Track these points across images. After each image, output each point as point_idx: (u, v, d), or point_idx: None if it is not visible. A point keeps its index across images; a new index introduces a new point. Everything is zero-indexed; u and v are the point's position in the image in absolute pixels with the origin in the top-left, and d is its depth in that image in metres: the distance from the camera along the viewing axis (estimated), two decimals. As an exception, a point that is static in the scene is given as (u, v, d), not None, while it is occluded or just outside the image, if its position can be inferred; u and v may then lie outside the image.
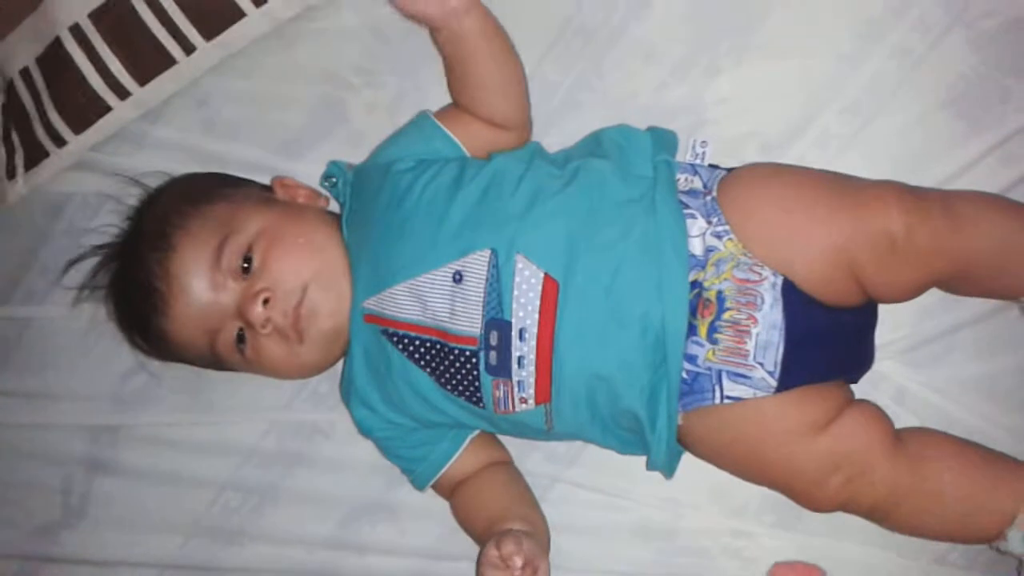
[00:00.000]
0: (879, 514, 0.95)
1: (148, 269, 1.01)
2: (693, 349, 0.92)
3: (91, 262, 1.14)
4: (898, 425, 0.97)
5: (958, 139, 1.02)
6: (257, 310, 0.98)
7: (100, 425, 1.21)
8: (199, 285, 1.00)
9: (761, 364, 0.91)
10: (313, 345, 1.01)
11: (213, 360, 1.06)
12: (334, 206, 1.11)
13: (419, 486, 1.06)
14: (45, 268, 1.22)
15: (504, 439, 1.08)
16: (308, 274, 0.99)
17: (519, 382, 0.94)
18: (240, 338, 1.01)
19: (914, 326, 1.02)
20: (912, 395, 1.03)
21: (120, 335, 1.13)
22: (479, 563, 0.92)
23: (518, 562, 0.88)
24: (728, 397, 0.92)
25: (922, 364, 1.03)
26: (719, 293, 0.92)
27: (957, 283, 0.95)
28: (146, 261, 1.02)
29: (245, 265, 0.99)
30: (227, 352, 1.03)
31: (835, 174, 0.96)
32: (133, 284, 1.04)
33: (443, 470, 1.04)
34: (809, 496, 0.94)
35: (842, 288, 0.92)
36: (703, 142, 1.00)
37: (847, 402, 0.95)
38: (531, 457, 1.10)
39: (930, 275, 0.92)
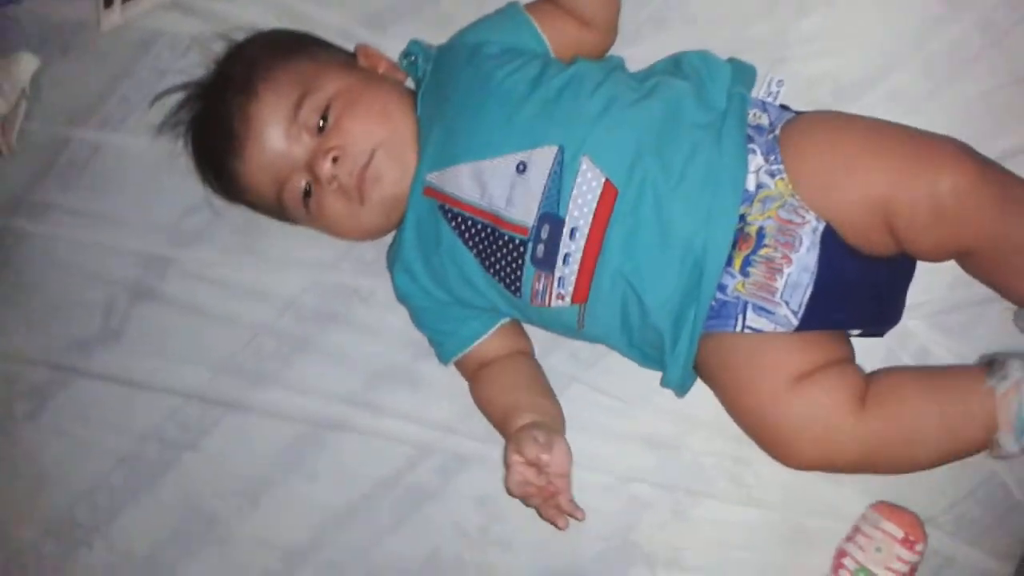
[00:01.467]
0: (863, 469, 0.98)
1: (229, 112, 1.06)
2: (725, 279, 0.95)
3: (175, 99, 1.19)
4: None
5: (1028, 114, 1.02)
6: (326, 166, 1.02)
7: (153, 254, 1.26)
8: (275, 134, 1.04)
9: (787, 303, 0.94)
10: (373, 208, 1.05)
11: (278, 209, 1.10)
12: (409, 84, 1.14)
13: (443, 359, 1.11)
14: (125, 98, 1.27)
15: (531, 333, 1.12)
16: (378, 139, 1.03)
17: (560, 278, 0.97)
18: (307, 192, 1.06)
19: (949, 291, 1.04)
20: (934, 358, 1.05)
21: (190, 171, 1.17)
22: (506, 473, 0.97)
23: (544, 458, 0.93)
24: (749, 328, 0.95)
25: (950, 330, 1.05)
26: (760, 229, 0.94)
27: (976, 262, 0.95)
28: (229, 104, 1.06)
29: (321, 122, 1.03)
30: (293, 203, 1.07)
31: (900, 126, 0.97)
32: (213, 124, 1.09)
33: (470, 348, 1.09)
34: (780, 451, 0.97)
35: (877, 239, 0.93)
36: (779, 81, 1.02)
37: (832, 362, 0.97)
38: (554, 354, 1.13)
39: (958, 245, 0.92)
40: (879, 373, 1.00)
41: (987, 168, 0.92)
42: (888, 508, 1.03)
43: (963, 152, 0.92)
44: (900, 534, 1.00)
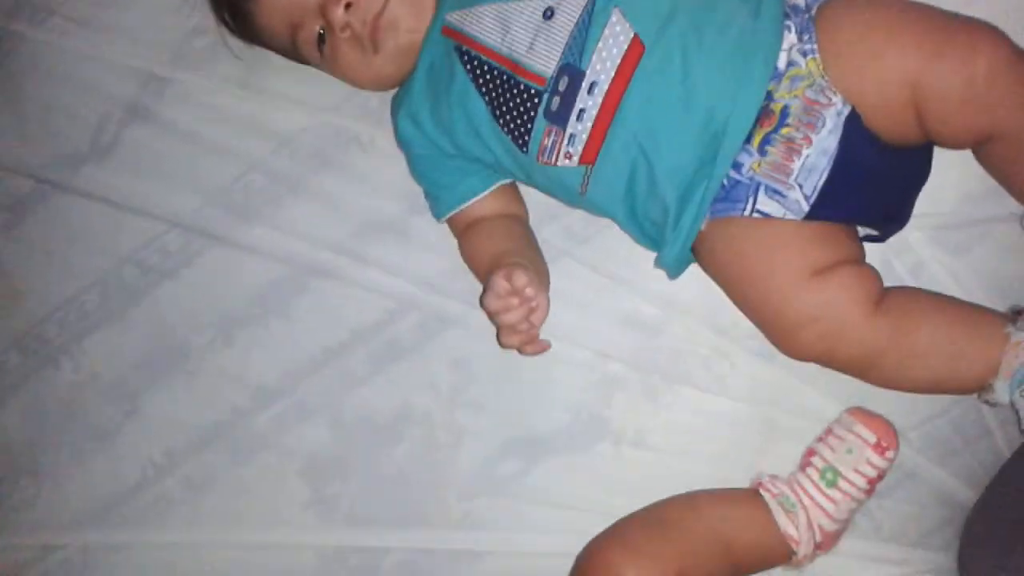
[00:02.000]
0: (857, 371, 0.97)
1: None
2: (742, 157, 0.93)
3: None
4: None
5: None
6: (338, 12, 0.99)
7: (153, 73, 1.22)
8: None
9: (800, 186, 0.93)
10: (387, 57, 1.02)
11: (293, 52, 1.08)
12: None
13: (438, 214, 1.09)
14: (142, -96, 1.22)
15: (528, 203, 1.11)
16: None
17: (572, 135, 0.95)
18: (321, 37, 1.03)
19: (954, 206, 1.03)
20: (929, 273, 1.04)
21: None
22: (484, 291, 0.96)
23: (530, 292, 0.92)
24: (758, 211, 0.94)
25: (948, 245, 1.04)
26: (785, 107, 0.93)
27: (997, 150, 0.94)
28: None
29: None
30: (307, 48, 1.05)
31: (937, 9, 0.95)
32: None
33: (466, 204, 1.07)
34: (784, 340, 0.96)
35: (903, 122, 0.92)
36: (823, -38, 0.99)
37: (851, 258, 0.97)
38: (549, 226, 1.12)
39: (986, 127, 0.91)
40: (899, 287, 1.00)
41: (1022, 53, 0.91)
42: (863, 414, 1.03)
43: (999, 35, 0.91)
44: (873, 439, 1.01)
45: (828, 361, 0.97)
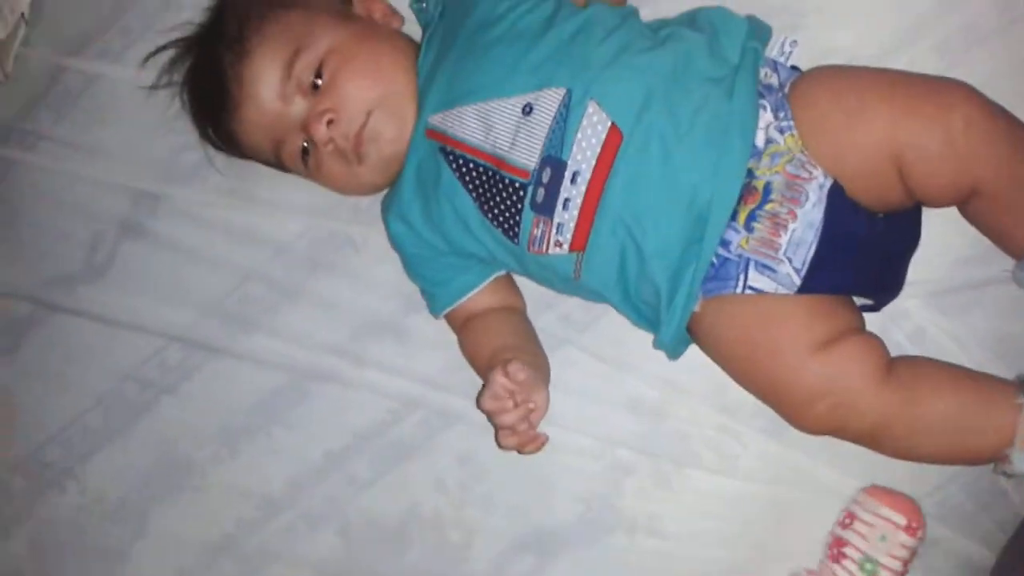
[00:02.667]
0: (869, 442, 0.96)
1: (222, 71, 1.04)
2: (729, 234, 0.94)
3: (170, 51, 1.16)
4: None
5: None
6: (321, 129, 1.00)
7: (143, 190, 1.23)
8: (268, 95, 1.02)
9: (790, 260, 0.93)
10: (372, 167, 1.04)
11: (278, 165, 1.09)
12: (409, 30, 1.11)
13: (434, 311, 1.09)
14: (127, 29, 1.25)
15: (524, 292, 1.11)
16: (374, 99, 1.01)
17: (559, 224, 0.96)
18: (305, 151, 1.04)
19: (947, 271, 1.03)
20: (929, 338, 1.04)
21: (185, 113, 1.15)
22: (481, 391, 0.96)
23: (527, 391, 0.92)
24: (751, 287, 0.94)
25: (946, 310, 1.04)
26: (767, 184, 0.93)
27: (982, 204, 0.93)
28: (221, 63, 1.04)
29: (316, 81, 1.01)
30: (292, 161, 1.06)
31: (905, 72, 0.96)
32: (206, 82, 1.07)
33: (462, 300, 1.07)
34: (796, 415, 0.96)
35: (886, 186, 0.92)
36: (793, 41, 1.00)
37: (853, 328, 0.96)
38: (546, 315, 1.12)
39: (969, 182, 0.91)
40: (907, 356, 0.99)
41: (996, 105, 0.92)
42: (885, 494, 1.01)
43: (971, 90, 0.92)
44: (903, 521, 0.99)
45: (840, 434, 0.96)
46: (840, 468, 1.05)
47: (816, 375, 0.93)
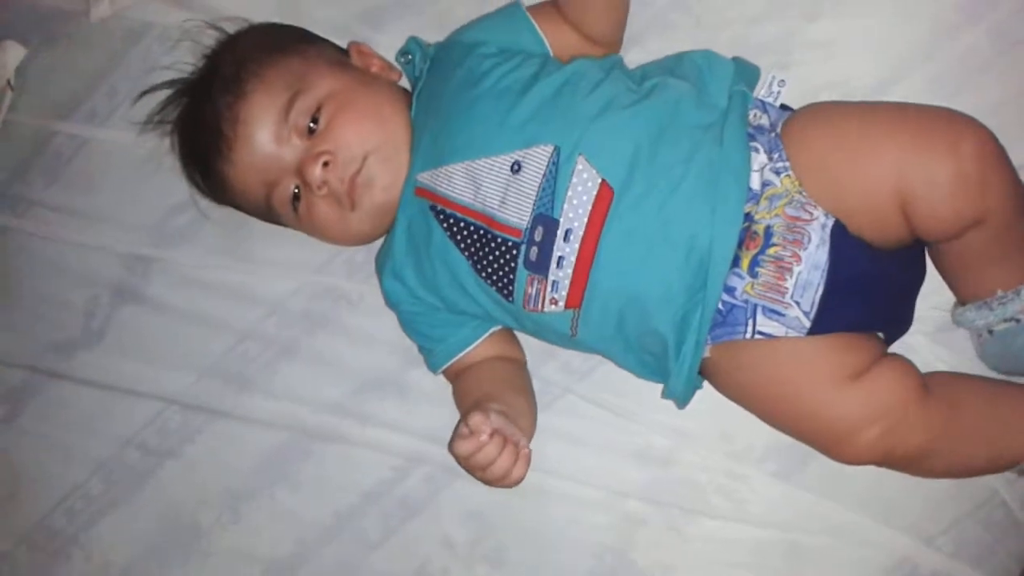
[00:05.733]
0: (914, 462, 0.94)
1: (218, 111, 1.02)
2: (733, 280, 0.92)
3: (162, 95, 1.15)
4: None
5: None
6: (316, 171, 0.99)
7: (136, 254, 1.23)
8: (264, 136, 1.01)
9: (798, 303, 0.91)
10: (364, 214, 1.02)
11: (267, 212, 1.07)
12: (404, 83, 1.11)
13: (433, 367, 1.08)
14: (113, 91, 1.24)
15: (525, 344, 1.09)
16: (370, 144, 1.00)
17: (554, 282, 0.94)
18: (296, 196, 1.03)
19: (951, 305, 1.00)
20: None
21: (176, 170, 1.14)
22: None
23: (485, 429, 0.89)
24: (760, 332, 0.92)
25: (952, 346, 1.02)
26: (768, 228, 0.92)
27: (982, 235, 0.91)
28: (217, 103, 1.03)
29: (312, 125, 1.00)
30: (281, 206, 1.05)
31: (904, 105, 0.95)
32: (201, 124, 1.06)
33: (459, 356, 1.06)
34: (840, 448, 0.93)
35: (890, 223, 0.91)
36: (781, 80, 0.99)
37: (880, 355, 0.95)
38: (547, 365, 1.11)
39: (978, 213, 0.89)
40: (935, 373, 0.98)
41: (1001, 149, 0.91)
42: None
43: (974, 121, 0.91)
44: None
45: (888, 459, 0.94)
46: (854, 509, 1.04)
47: (858, 403, 0.91)
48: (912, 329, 1.00)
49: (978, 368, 1.01)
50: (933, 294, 1.00)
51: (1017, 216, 0.91)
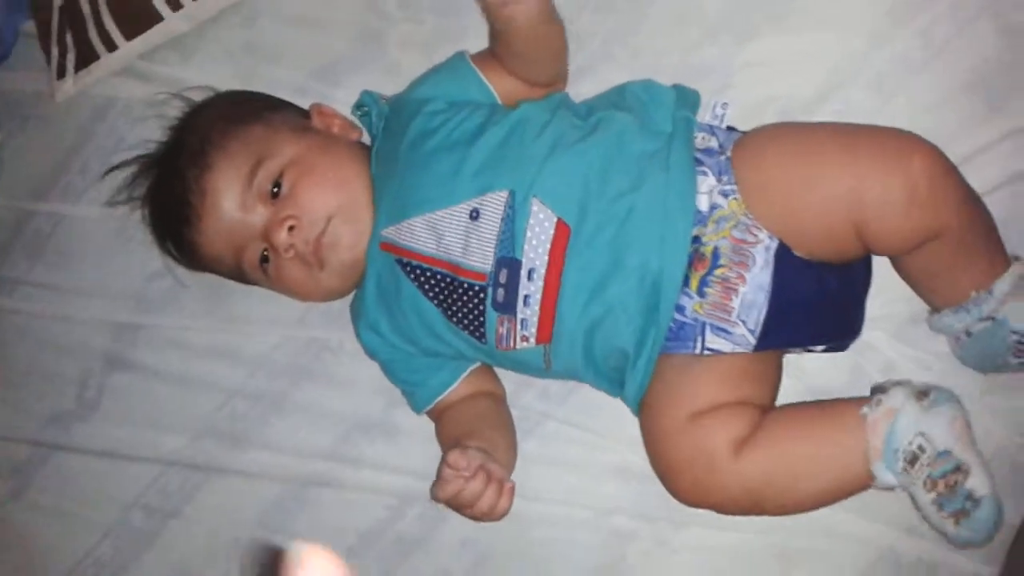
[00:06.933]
0: (745, 511, 0.98)
1: (184, 184, 1.06)
2: (683, 300, 0.96)
3: (130, 168, 1.19)
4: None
5: (977, 121, 1.03)
6: (281, 236, 1.02)
7: (122, 323, 1.26)
8: (230, 204, 1.05)
9: (743, 322, 0.95)
10: (332, 272, 1.05)
11: (239, 274, 1.11)
12: (365, 137, 1.14)
13: (416, 409, 1.12)
14: (85, 167, 1.28)
15: (502, 374, 1.12)
16: (333, 206, 1.03)
17: (523, 320, 0.98)
18: (264, 258, 1.06)
19: (908, 303, 1.03)
20: (900, 369, 1.05)
21: (151, 239, 1.18)
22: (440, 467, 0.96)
23: (465, 465, 0.92)
24: (708, 349, 0.96)
25: (912, 340, 1.05)
26: (715, 249, 0.95)
27: (939, 248, 0.94)
28: (183, 176, 1.06)
29: (275, 190, 1.04)
30: (251, 269, 1.08)
31: (852, 125, 0.98)
32: (169, 196, 1.09)
33: (440, 397, 1.09)
34: (668, 486, 0.99)
35: (840, 240, 0.94)
36: (724, 104, 1.02)
37: (735, 402, 0.97)
38: (526, 394, 1.14)
39: (930, 228, 0.91)
40: (769, 413, 0.99)
41: (947, 161, 0.94)
42: None
43: (921, 138, 0.94)
44: None
45: (715, 507, 0.98)
46: (837, 509, 1.03)
47: (681, 447, 0.96)
48: (872, 327, 1.03)
49: (936, 358, 1.03)
50: (886, 291, 1.03)
51: (974, 222, 0.94)
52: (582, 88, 1.10)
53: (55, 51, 1.27)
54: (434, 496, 0.96)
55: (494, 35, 1.04)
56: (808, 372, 1.06)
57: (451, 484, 0.93)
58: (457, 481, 0.93)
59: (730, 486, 0.95)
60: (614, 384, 1.03)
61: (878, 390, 0.95)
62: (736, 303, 0.95)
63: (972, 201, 0.95)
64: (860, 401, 0.95)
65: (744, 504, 0.96)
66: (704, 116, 1.03)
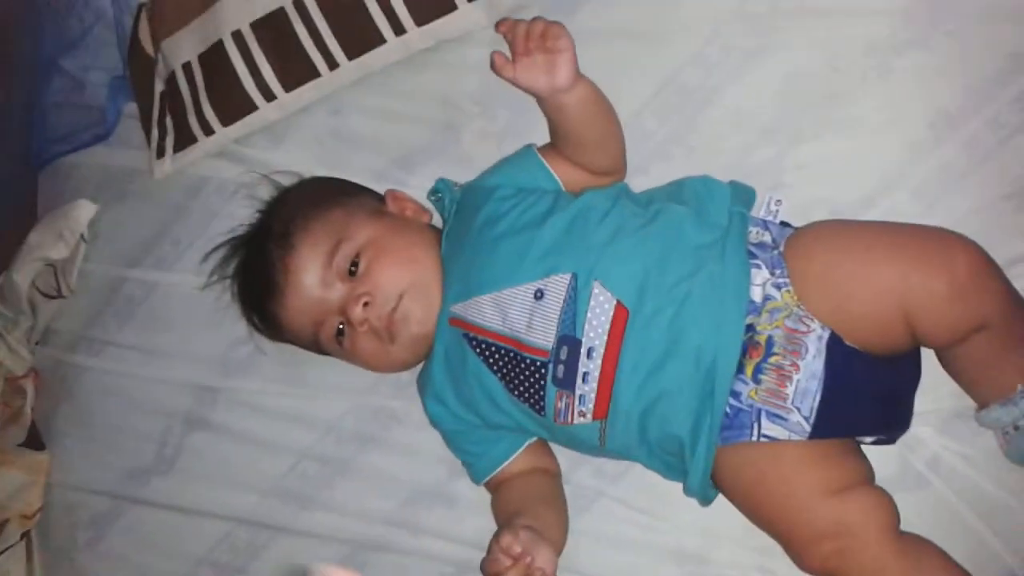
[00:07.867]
0: None
1: (270, 263, 1.15)
2: (738, 386, 1.01)
3: (223, 249, 1.28)
4: (927, 493, 1.06)
5: (1020, 229, 1.08)
6: (357, 311, 1.10)
7: (203, 385, 1.34)
8: (311, 281, 1.13)
9: (798, 408, 0.99)
10: (402, 346, 1.13)
11: (316, 345, 1.18)
12: (436, 220, 1.22)
13: (476, 479, 1.17)
14: (177, 240, 1.37)
15: (558, 451, 1.17)
16: (404, 285, 1.11)
17: (581, 396, 1.03)
18: (340, 331, 1.14)
19: (956, 399, 1.07)
20: (945, 464, 1.08)
21: (236, 311, 1.26)
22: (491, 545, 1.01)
23: (516, 549, 0.96)
24: (765, 435, 1.00)
25: (959, 435, 1.08)
26: (769, 338, 1.00)
27: (984, 339, 0.98)
28: (270, 256, 1.15)
29: (352, 269, 1.12)
30: (328, 341, 1.16)
31: (898, 224, 1.04)
32: (256, 274, 1.18)
33: (499, 469, 1.14)
34: (799, 552, 1.01)
35: (889, 333, 0.99)
36: (778, 200, 1.08)
37: (865, 480, 1.02)
38: (580, 470, 1.18)
39: (975, 321, 0.97)
40: (914, 534, 1.02)
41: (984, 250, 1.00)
42: None
43: (963, 237, 1.00)
44: None
45: None
46: None
47: (826, 518, 0.98)
48: (919, 422, 1.06)
49: (981, 454, 1.06)
50: (934, 389, 1.06)
51: (1017, 315, 0.99)
52: (640, 182, 1.16)
53: (155, 132, 1.37)
54: (483, 571, 1.01)
55: (550, 124, 1.12)
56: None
57: (496, 564, 0.98)
58: (505, 562, 0.98)
59: (869, 565, 0.97)
60: (671, 470, 1.08)
61: None
62: (791, 390, 0.99)
63: (1014, 295, 1.00)
64: None
65: None
66: (759, 211, 1.09)
